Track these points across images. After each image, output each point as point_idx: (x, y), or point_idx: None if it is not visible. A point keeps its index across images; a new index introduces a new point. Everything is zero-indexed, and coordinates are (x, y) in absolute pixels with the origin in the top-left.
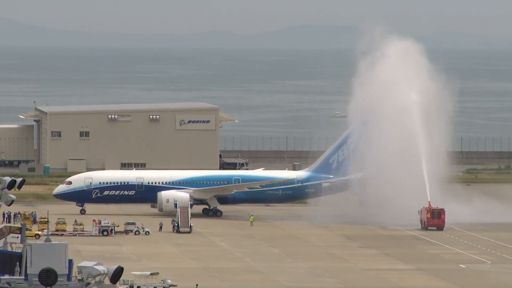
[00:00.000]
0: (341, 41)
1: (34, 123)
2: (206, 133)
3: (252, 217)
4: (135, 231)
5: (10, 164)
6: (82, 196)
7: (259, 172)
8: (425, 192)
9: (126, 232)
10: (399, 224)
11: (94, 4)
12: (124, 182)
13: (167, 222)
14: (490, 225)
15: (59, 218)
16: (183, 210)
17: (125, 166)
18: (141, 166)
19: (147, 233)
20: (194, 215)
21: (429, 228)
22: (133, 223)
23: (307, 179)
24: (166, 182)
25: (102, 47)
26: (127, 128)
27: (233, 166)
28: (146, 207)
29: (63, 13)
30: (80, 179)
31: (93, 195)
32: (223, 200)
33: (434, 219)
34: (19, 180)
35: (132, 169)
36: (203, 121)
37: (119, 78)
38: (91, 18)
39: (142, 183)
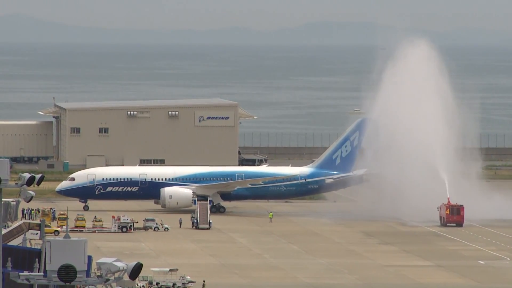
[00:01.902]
0: (360, 37)
1: (53, 119)
2: (225, 130)
3: (271, 213)
4: (154, 228)
5: (29, 160)
6: (85, 193)
7: (263, 169)
8: (444, 188)
9: (145, 228)
10: (418, 220)
11: (113, 1)
12: (127, 179)
13: (187, 219)
14: (509, 221)
15: (78, 215)
16: (202, 207)
17: (144, 162)
18: (160, 162)
19: (166, 229)
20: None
21: (448, 224)
22: (152, 220)
23: (310, 175)
24: (169, 179)
25: (121, 44)
26: (146, 124)
27: (252, 163)
28: (150, 203)
29: (81, 9)
30: (83, 176)
31: (96, 191)
32: (226, 196)
33: (453, 215)
34: (38, 176)
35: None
36: (222, 118)
37: (138, 75)
38: (109, 15)
39: (145, 179)
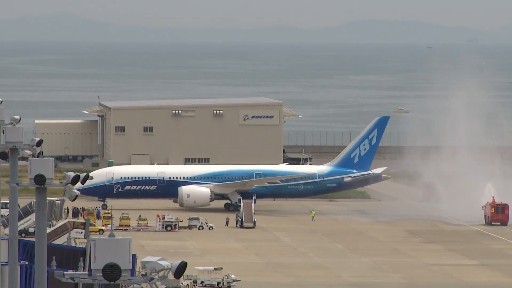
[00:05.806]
0: (404, 36)
1: (98, 118)
2: (269, 128)
3: (313, 212)
4: (199, 226)
5: (74, 159)
6: (103, 191)
7: (281, 167)
8: (489, 187)
9: (190, 227)
10: (462, 219)
11: (156, 0)
12: (146, 177)
13: (233, 217)
14: None
15: (123, 213)
16: (246, 205)
17: (188, 161)
18: (204, 161)
19: (210, 228)
20: (215, 210)
21: (493, 223)
22: (197, 218)
23: (329, 174)
24: (187, 177)
25: (165, 43)
26: (191, 123)
27: (296, 161)
28: (168, 202)
29: (125, 9)
30: (101, 174)
31: (115, 190)
32: (244, 195)
33: (498, 214)
34: (83, 175)
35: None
36: (267, 116)
37: (183, 73)
38: (153, 14)
39: (163, 178)
